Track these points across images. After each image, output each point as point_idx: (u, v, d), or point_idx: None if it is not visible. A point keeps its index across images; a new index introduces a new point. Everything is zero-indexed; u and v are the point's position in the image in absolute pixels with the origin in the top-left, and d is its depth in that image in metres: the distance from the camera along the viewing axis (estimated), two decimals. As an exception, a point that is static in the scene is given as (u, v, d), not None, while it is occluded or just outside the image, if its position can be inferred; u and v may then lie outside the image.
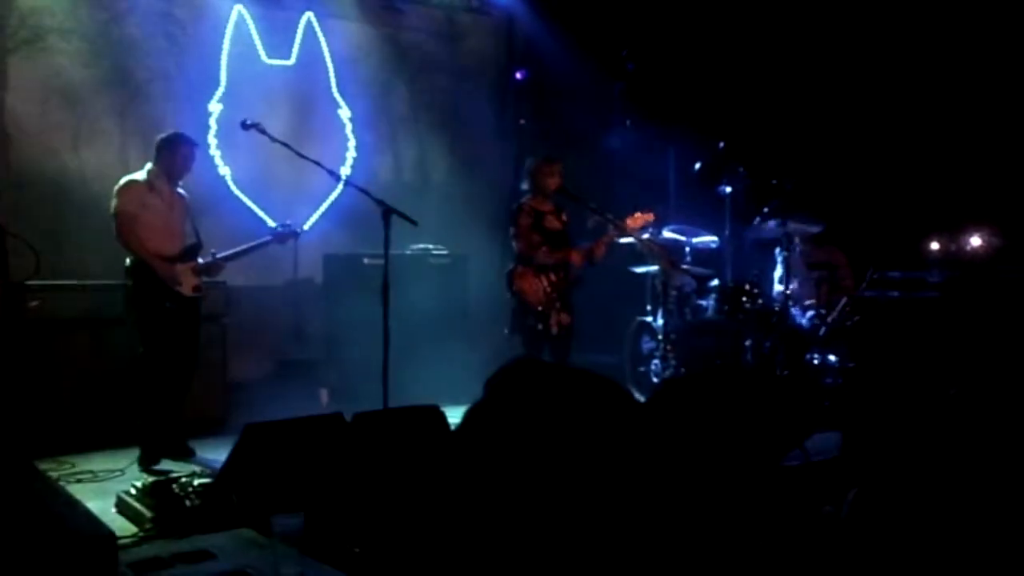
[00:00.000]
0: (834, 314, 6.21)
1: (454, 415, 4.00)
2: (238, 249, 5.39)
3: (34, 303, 5.13)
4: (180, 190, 5.26)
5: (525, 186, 5.50)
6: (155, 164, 5.11)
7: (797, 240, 6.67)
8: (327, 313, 6.75)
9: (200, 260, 5.25)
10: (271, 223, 6.81)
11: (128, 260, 5.00)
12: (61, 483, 4.28)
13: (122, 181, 5.04)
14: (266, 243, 5.45)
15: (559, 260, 5.32)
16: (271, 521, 3.04)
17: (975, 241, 5.99)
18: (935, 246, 6.18)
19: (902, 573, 1.96)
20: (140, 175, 5.09)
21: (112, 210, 4.98)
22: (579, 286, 5.47)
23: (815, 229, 6.59)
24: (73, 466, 4.83)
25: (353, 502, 3.05)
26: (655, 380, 6.46)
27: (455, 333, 6.77)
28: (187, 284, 5.13)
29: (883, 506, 2.07)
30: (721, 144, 6.89)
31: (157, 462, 4.88)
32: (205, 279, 5.31)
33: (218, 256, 5.32)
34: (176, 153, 5.12)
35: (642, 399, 6.32)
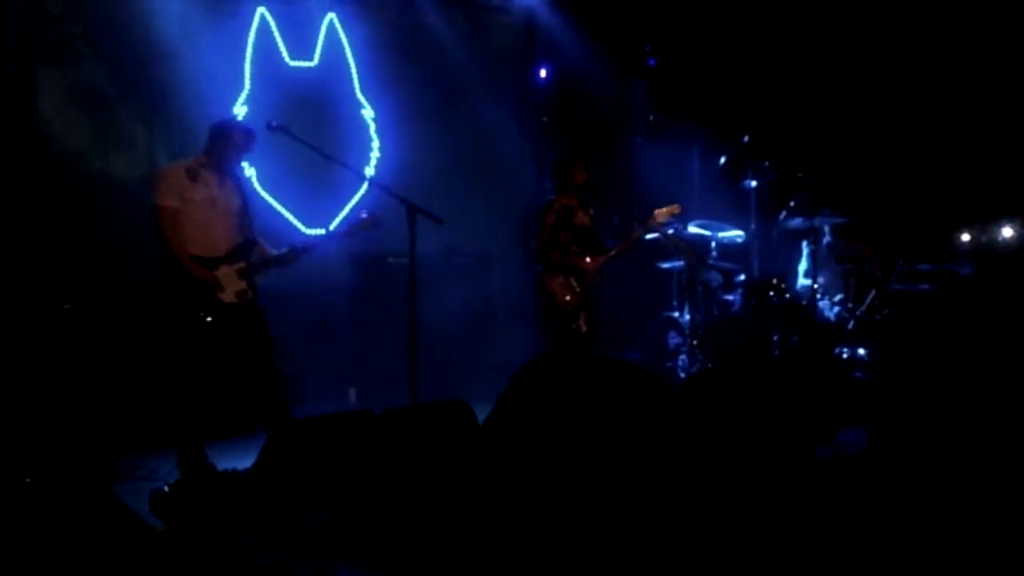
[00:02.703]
0: (862, 307, 6.15)
1: (481, 411, 4.02)
2: (310, 241, 4.93)
3: (66, 306, 5.18)
4: (237, 179, 4.79)
5: (550, 184, 5.52)
6: (205, 152, 4.71)
7: (825, 233, 6.62)
8: (354, 312, 6.78)
9: (249, 261, 4.76)
10: (296, 223, 6.87)
11: (165, 258, 4.62)
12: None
13: (160, 169, 4.70)
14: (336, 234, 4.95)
15: (572, 267, 5.34)
16: (304, 518, 3.06)
17: (1007, 232, 5.91)
18: (966, 238, 6.11)
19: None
20: (183, 162, 4.69)
21: (152, 201, 4.60)
22: (602, 288, 5.50)
23: (842, 222, 6.53)
24: (108, 465, 4.88)
25: (383, 498, 3.06)
26: (682, 376, 6.44)
27: (480, 330, 6.78)
28: (230, 290, 4.64)
29: (905, 491, 2.06)
30: (746, 138, 6.86)
31: (196, 466, 4.61)
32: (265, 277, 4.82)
33: (293, 248, 4.84)
34: (228, 140, 4.70)
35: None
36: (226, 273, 4.64)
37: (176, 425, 4.74)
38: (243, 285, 4.69)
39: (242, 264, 4.70)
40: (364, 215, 4.98)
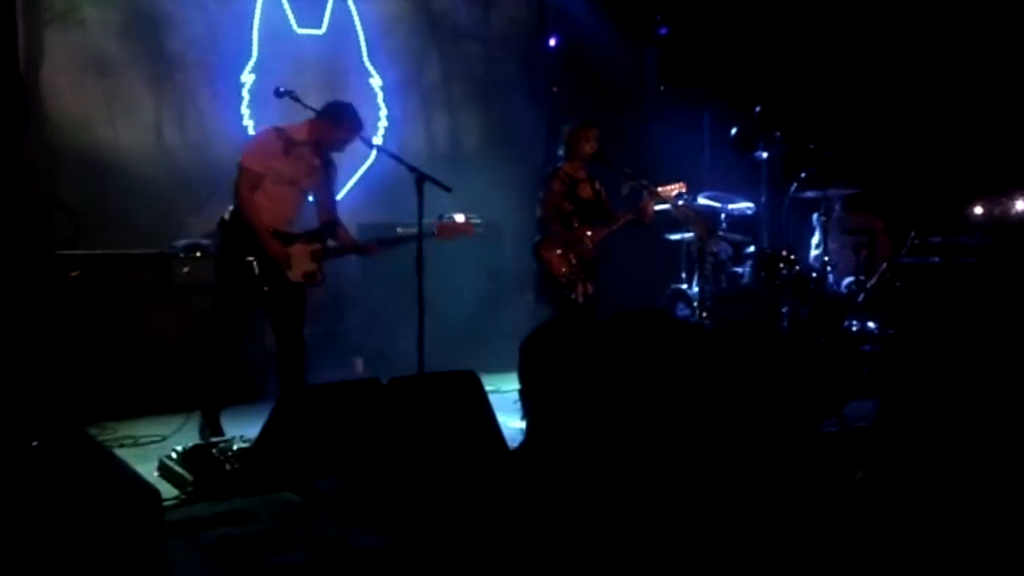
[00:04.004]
0: (873, 280, 6.11)
1: (489, 382, 4.02)
2: (405, 233, 4.83)
3: (75, 272, 5.19)
4: (328, 163, 4.68)
5: (561, 152, 5.49)
6: (310, 125, 4.55)
7: (836, 205, 6.56)
8: (361, 282, 6.78)
9: (326, 244, 4.67)
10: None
11: (227, 215, 4.53)
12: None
13: (261, 129, 4.54)
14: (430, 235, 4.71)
15: (572, 239, 5.31)
16: (311, 483, 3.08)
17: (1021, 205, 5.85)
18: (978, 210, 6.05)
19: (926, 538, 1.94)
20: (286, 126, 4.55)
21: (239, 161, 4.51)
22: (606, 260, 5.48)
23: (853, 194, 6.48)
24: (115, 431, 4.93)
25: (390, 465, 3.07)
26: (690, 348, 6.42)
27: (489, 300, 6.77)
28: (298, 269, 4.55)
29: (912, 470, 2.04)
30: (757, 109, 6.78)
31: (215, 431, 4.62)
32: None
33: (381, 240, 4.87)
34: (340, 125, 4.58)
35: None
36: (299, 251, 4.57)
37: (200, 389, 4.73)
38: (313, 267, 4.63)
39: (318, 246, 4.63)
40: (454, 223, 5.00)
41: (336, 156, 4.83)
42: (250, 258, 4.43)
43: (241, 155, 4.55)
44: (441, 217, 5.19)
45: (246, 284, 4.47)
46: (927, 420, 2.16)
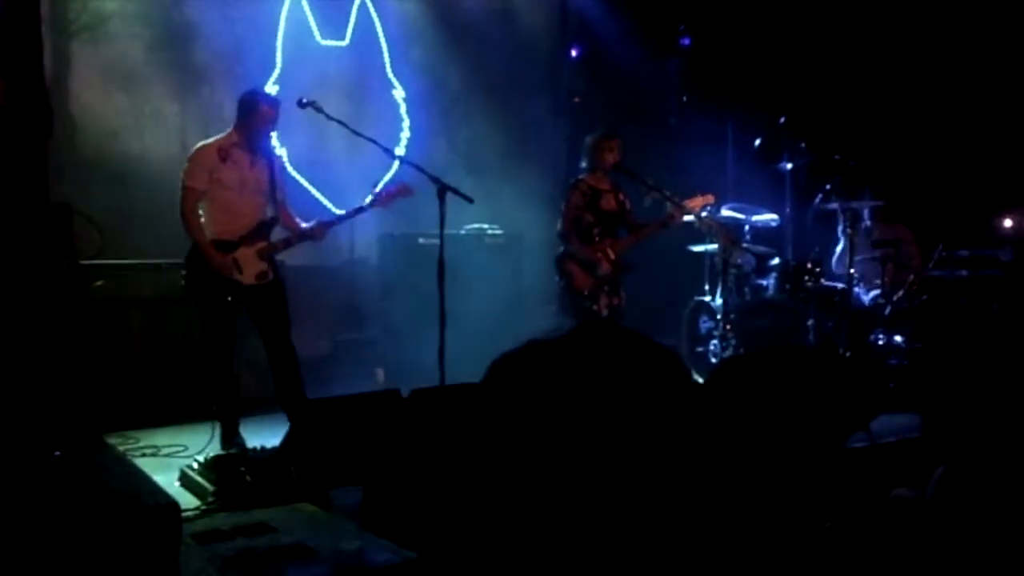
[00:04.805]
0: (900, 293, 6.03)
1: (510, 393, 3.98)
2: (342, 213, 4.91)
3: (99, 282, 5.23)
4: (268, 155, 4.75)
5: (584, 163, 5.49)
6: (234, 127, 4.66)
7: (862, 217, 6.49)
8: (383, 293, 6.78)
9: (269, 240, 4.72)
10: (327, 203, 6.86)
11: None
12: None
13: (194, 148, 4.67)
14: (369, 206, 4.83)
15: (588, 257, 5.29)
16: (330, 495, 3.06)
17: (1051, 217, 5.75)
18: (1008, 223, 5.96)
19: (991, 554, 1.89)
20: (215, 140, 4.65)
21: (180, 181, 4.60)
22: (630, 271, 5.45)
23: (880, 205, 6.40)
24: (138, 441, 4.94)
25: (410, 477, 3.05)
26: (713, 361, 6.36)
27: (510, 312, 6.75)
28: (249, 272, 4.61)
29: (972, 486, 1.98)
30: (782, 119, 6.73)
31: (234, 442, 4.63)
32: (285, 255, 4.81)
33: (321, 221, 4.81)
34: (254, 112, 4.63)
35: (700, 381, 6.24)
36: (245, 254, 4.62)
37: (216, 401, 4.76)
38: (263, 266, 4.67)
39: (262, 244, 4.66)
40: (393, 187, 4.95)
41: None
42: (204, 273, 4.54)
43: (182, 177, 4.61)
44: (375, 186, 5.00)
45: (212, 299, 4.56)
46: (979, 434, 2.11)
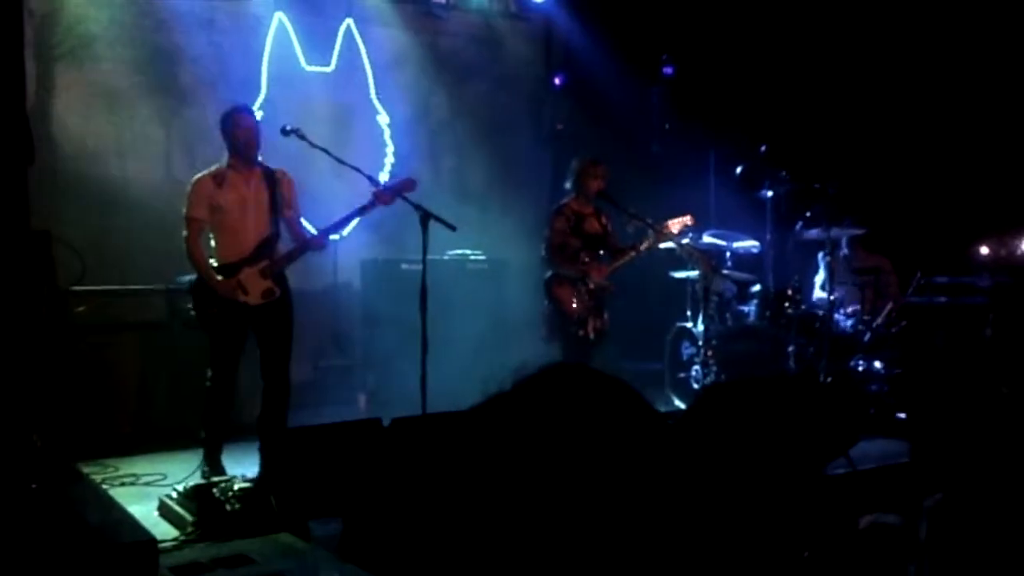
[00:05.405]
0: (879, 320, 6.08)
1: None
2: (338, 219, 4.79)
3: (80, 308, 5.20)
4: (263, 171, 4.68)
5: (568, 185, 5.54)
6: (227, 153, 4.64)
7: (842, 244, 6.55)
8: (365, 318, 6.77)
9: (272, 258, 4.63)
10: (311, 228, 6.87)
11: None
12: (104, 486, 4.34)
13: (192, 180, 4.65)
14: (370, 205, 4.72)
15: (578, 274, 5.33)
16: (309, 526, 3.04)
17: (1026, 245, 5.83)
18: (985, 250, 6.03)
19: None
20: (210, 170, 4.64)
21: (183, 212, 4.61)
22: (612, 295, 5.49)
23: (859, 233, 6.47)
24: (117, 469, 4.88)
25: (391, 507, 3.04)
26: (695, 386, 6.38)
27: (493, 338, 6.75)
28: (255, 292, 4.57)
29: (972, 511, 2.00)
30: (763, 147, 6.80)
31: (217, 470, 4.57)
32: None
33: (321, 229, 4.77)
34: (234, 129, 4.60)
35: (682, 406, 6.25)
36: (249, 275, 4.57)
37: (203, 426, 4.71)
38: (268, 284, 4.62)
39: (265, 263, 4.62)
40: (395, 183, 4.90)
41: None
42: (211, 301, 4.53)
43: (183, 210, 4.62)
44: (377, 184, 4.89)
45: (222, 326, 4.54)
46: (972, 461, 2.12)
